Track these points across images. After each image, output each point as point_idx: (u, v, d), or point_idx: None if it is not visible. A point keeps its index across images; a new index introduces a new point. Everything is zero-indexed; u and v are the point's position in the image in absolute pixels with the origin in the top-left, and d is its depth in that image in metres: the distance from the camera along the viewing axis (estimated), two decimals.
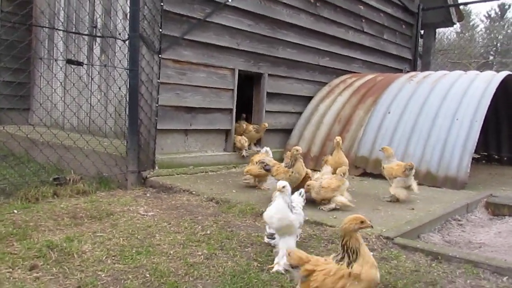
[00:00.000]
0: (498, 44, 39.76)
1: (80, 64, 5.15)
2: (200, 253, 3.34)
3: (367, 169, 6.89)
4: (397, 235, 3.74)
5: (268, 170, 4.79)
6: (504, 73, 7.44)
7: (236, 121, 7.36)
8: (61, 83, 6.53)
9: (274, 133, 7.94)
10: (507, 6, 44.23)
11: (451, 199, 5.35)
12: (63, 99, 5.81)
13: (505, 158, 9.71)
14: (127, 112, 5.62)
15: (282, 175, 4.63)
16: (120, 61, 5.77)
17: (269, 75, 7.71)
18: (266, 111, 7.77)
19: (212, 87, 6.76)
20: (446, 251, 3.43)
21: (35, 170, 5.64)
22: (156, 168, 5.92)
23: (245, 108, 7.74)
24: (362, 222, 2.22)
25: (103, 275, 2.92)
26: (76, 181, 5.26)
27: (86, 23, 7.11)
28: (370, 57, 10.19)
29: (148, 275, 2.92)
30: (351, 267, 2.13)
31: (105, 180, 5.59)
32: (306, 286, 2.07)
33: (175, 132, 6.47)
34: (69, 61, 5.19)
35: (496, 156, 9.88)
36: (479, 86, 7.00)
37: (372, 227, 2.37)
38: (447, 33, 33.33)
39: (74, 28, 7.10)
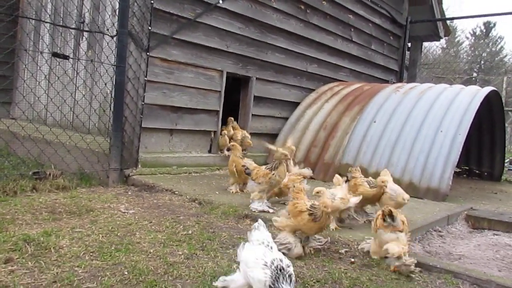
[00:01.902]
0: (482, 62, 40.56)
1: (66, 57, 5.07)
2: (180, 252, 3.29)
3: None
4: None
5: (248, 174, 4.71)
6: (488, 89, 7.57)
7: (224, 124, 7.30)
8: (45, 76, 6.41)
9: (259, 137, 7.91)
10: (492, 25, 45.25)
11: (432, 210, 5.39)
12: (47, 92, 5.69)
13: (486, 173, 9.84)
14: (112, 109, 5.55)
15: (261, 179, 4.53)
16: (107, 57, 5.70)
17: (257, 78, 7.70)
18: (252, 115, 7.76)
19: (199, 88, 6.72)
20: (427, 260, 3.44)
21: (15, 163, 5.52)
22: (139, 166, 5.85)
23: (231, 112, 7.68)
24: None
25: (80, 271, 2.85)
26: (56, 176, 5.16)
27: (74, 17, 7.01)
28: (358, 66, 10.27)
29: (126, 273, 2.86)
30: None
31: (86, 176, 5.51)
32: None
33: (160, 131, 6.41)
34: (55, 54, 5.11)
35: (476, 171, 10.02)
36: (464, 100, 7.10)
37: None
38: (433, 48, 33.89)
39: (61, 22, 6.98)
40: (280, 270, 2.40)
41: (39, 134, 5.35)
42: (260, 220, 2.78)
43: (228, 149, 5.03)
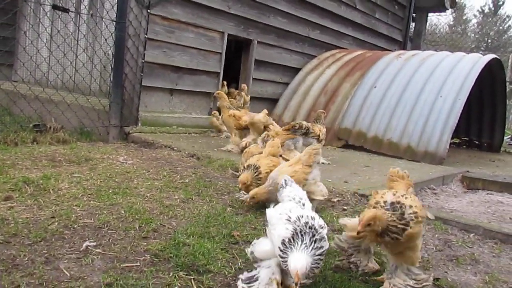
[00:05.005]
0: (489, 40, 40.00)
1: (66, 10, 5.05)
2: (176, 197, 3.36)
3: (349, 141, 6.95)
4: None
5: (296, 130, 4.62)
6: (490, 56, 7.52)
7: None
8: (45, 28, 6.38)
9: (260, 101, 7.92)
10: (501, 2, 44.43)
11: (428, 171, 5.44)
12: (47, 45, 5.67)
13: (485, 144, 9.86)
14: (112, 65, 5.55)
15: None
16: (107, 12, 5.68)
17: (258, 42, 7.67)
18: (253, 79, 7.75)
19: (200, 49, 6.70)
20: None
21: (17, 120, 5.57)
22: (139, 125, 5.90)
23: (234, 79, 7.69)
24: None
25: (78, 209, 2.92)
26: (57, 129, 5.22)
27: None
28: (361, 34, 10.18)
29: (123, 212, 2.93)
30: None
31: (87, 132, 5.56)
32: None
33: (160, 91, 6.42)
34: (55, 7, 5.09)
35: (476, 142, 10.04)
36: (465, 66, 7.07)
37: None
38: (441, 25, 33.44)
39: None
40: (309, 228, 1.91)
41: (39, 87, 5.37)
42: (286, 176, 2.46)
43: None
